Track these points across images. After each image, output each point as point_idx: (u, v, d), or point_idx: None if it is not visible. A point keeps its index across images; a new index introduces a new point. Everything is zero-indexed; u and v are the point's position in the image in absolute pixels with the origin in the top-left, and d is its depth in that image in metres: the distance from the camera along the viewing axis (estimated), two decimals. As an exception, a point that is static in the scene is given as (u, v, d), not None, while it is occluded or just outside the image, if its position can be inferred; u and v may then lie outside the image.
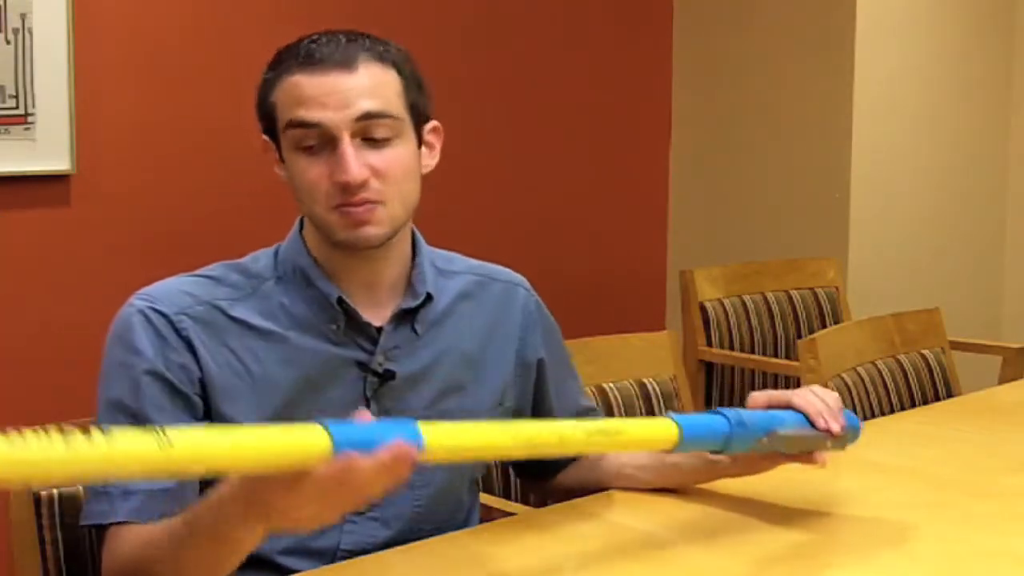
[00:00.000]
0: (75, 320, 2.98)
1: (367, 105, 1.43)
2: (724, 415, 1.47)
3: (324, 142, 1.43)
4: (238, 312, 1.48)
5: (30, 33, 2.82)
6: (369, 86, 1.44)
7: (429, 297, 1.54)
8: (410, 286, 1.54)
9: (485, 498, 1.86)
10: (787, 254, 3.75)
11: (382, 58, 1.47)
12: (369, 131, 1.44)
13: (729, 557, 1.49)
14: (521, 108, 3.81)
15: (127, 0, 3.03)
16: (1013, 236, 4.40)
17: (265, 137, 1.51)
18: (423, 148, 1.53)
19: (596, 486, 1.71)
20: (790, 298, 3.44)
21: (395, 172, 1.46)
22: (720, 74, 4.13)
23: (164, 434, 1.02)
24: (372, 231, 1.45)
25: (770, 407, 1.55)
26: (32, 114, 2.84)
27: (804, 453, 1.53)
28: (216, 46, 3.19)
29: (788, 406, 1.54)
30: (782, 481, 1.84)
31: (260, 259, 1.54)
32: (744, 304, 3.34)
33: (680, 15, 4.19)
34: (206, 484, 1.46)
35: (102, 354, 1.46)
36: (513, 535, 1.53)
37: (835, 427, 1.52)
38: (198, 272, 1.52)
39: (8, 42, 2.79)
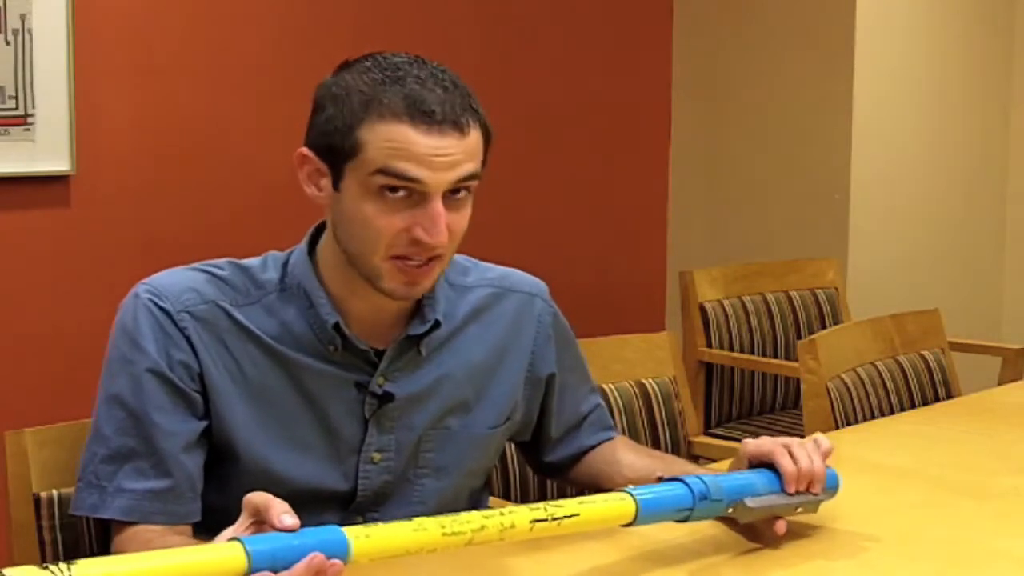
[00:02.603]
0: (75, 320, 2.97)
1: (468, 169, 1.41)
2: (689, 487, 1.43)
3: (410, 194, 1.38)
4: (241, 316, 1.46)
5: (30, 33, 2.82)
6: (471, 149, 1.41)
7: (437, 323, 1.51)
8: (419, 311, 1.51)
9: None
10: (787, 255, 3.74)
11: (477, 114, 1.43)
12: (457, 190, 1.41)
13: (727, 558, 1.49)
14: (520, 109, 3.81)
15: (127, 0, 3.03)
16: (1013, 237, 4.40)
17: (309, 153, 1.44)
18: None
19: (601, 485, 1.70)
20: (790, 299, 3.44)
21: (461, 230, 1.44)
22: (720, 75, 4.13)
23: (68, 569, 1.02)
24: (424, 285, 1.44)
25: (756, 457, 1.53)
26: (32, 115, 2.84)
27: (771, 519, 1.50)
28: (216, 46, 3.19)
29: (771, 460, 1.51)
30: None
31: (269, 268, 1.50)
32: (744, 305, 3.34)
33: (680, 16, 4.19)
34: (207, 482, 1.46)
35: (103, 353, 1.46)
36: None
37: (799, 496, 1.49)
38: (206, 266, 1.49)
39: (8, 43, 2.79)
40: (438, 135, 1.38)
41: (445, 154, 1.38)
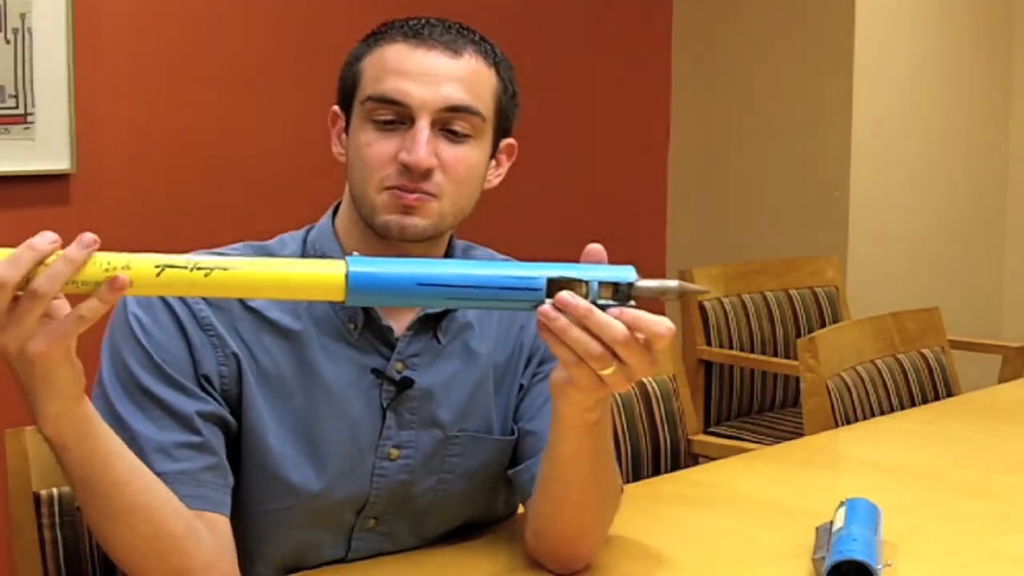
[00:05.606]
0: (75, 320, 2.97)
1: (458, 96, 1.36)
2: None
3: (400, 120, 1.35)
4: (255, 302, 1.38)
5: (30, 33, 2.82)
6: (467, 77, 1.38)
7: None
8: None
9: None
10: (787, 253, 3.74)
11: (487, 55, 1.41)
12: (451, 123, 1.36)
13: (728, 559, 1.49)
14: (519, 108, 3.81)
15: (127, 1, 3.03)
16: (1013, 236, 4.40)
17: (336, 108, 1.43)
18: (492, 160, 1.45)
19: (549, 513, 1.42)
20: (789, 297, 3.44)
21: (461, 170, 1.37)
22: (719, 74, 4.13)
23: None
24: (417, 222, 1.35)
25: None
26: (32, 114, 2.84)
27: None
28: (216, 46, 3.19)
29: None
30: (781, 480, 1.84)
31: (288, 244, 1.45)
32: (743, 303, 3.34)
33: (679, 14, 4.19)
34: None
35: (102, 352, 1.44)
36: (513, 535, 1.53)
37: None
38: (219, 250, 1.43)
39: (8, 42, 2.79)
40: (424, 51, 1.37)
41: (429, 71, 1.36)
